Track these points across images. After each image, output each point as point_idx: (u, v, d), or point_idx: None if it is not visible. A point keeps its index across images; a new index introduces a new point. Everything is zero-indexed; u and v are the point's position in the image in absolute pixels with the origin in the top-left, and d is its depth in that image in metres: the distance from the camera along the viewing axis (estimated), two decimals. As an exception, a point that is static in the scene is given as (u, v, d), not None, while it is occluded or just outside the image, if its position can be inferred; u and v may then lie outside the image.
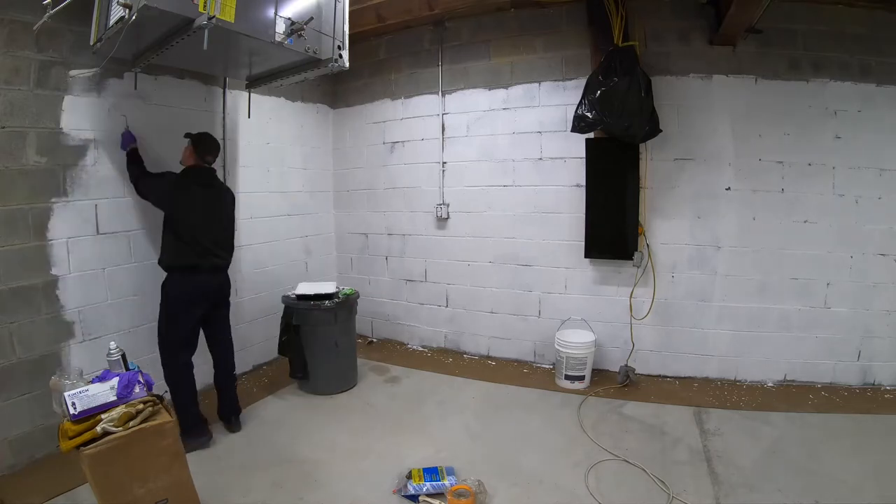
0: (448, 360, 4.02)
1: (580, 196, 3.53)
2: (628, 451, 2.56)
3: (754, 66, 3.19)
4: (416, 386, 3.54)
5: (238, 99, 3.49)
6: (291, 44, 2.29)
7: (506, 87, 3.75)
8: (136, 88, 2.80)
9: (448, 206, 4.04)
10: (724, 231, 3.33)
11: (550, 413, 3.07)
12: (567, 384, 3.41)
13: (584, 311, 3.59)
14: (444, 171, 4.03)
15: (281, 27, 2.23)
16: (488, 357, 4.03)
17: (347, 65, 2.53)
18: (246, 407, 3.04)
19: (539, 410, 3.11)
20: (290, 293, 3.41)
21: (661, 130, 3.13)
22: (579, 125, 3.21)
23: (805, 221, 3.24)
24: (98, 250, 2.70)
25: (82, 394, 1.71)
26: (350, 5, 2.55)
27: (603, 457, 2.52)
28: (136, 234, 2.89)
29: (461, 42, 3.87)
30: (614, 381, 3.43)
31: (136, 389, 1.82)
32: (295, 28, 2.25)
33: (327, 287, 3.40)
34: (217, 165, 3.40)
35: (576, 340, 3.40)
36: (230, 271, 2.85)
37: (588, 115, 3.14)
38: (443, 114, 3.99)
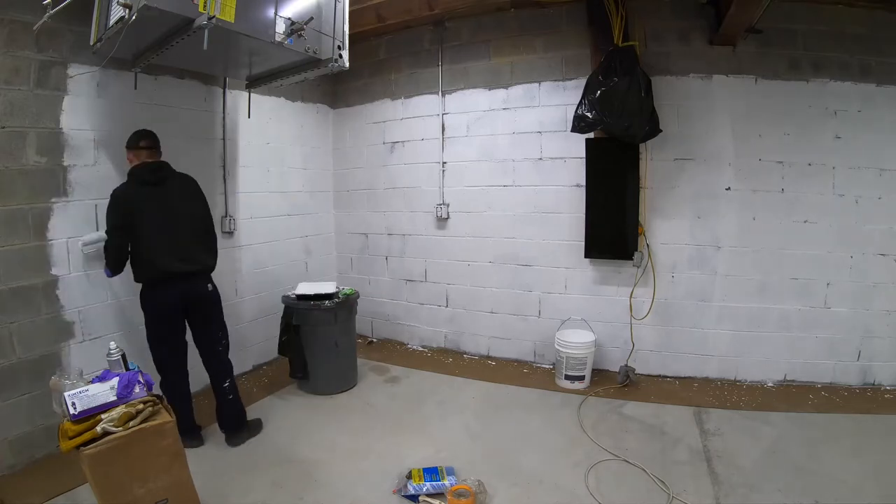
0: (448, 360, 4.02)
1: (580, 196, 3.53)
2: (628, 451, 2.56)
3: (754, 66, 3.19)
4: (416, 386, 3.54)
5: (238, 99, 3.49)
6: (291, 44, 2.29)
7: (506, 87, 3.75)
8: (136, 88, 2.80)
9: (448, 206, 4.04)
10: (724, 231, 3.33)
11: (550, 413, 3.07)
12: (567, 384, 3.41)
13: (584, 311, 3.58)
14: (444, 171, 4.03)
15: (281, 27, 2.23)
16: (488, 357, 4.03)
17: (347, 65, 2.53)
18: (246, 407, 3.02)
19: (539, 410, 3.11)
20: (290, 293, 3.41)
21: (661, 130, 3.13)
22: (579, 125, 3.21)
23: (805, 221, 3.23)
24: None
25: (82, 394, 1.71)
26: (350, 5, 2.55)
27: (603, 457, 2.52)
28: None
29: (461, 42, 3.87)
30: (614, 381, 3.43)
31: (136, 389, 1.82)
32: (295, 28, 2.25)
33: (327, 287, 3.40)
34: (217, 165, 3.44)
35: (576, 340, 3.39)
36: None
37: (588, 115, 3.14)
38: (443, 114, 3.99)
